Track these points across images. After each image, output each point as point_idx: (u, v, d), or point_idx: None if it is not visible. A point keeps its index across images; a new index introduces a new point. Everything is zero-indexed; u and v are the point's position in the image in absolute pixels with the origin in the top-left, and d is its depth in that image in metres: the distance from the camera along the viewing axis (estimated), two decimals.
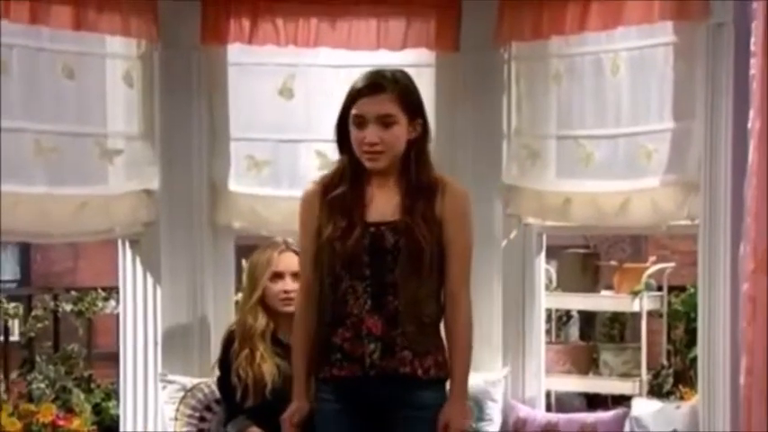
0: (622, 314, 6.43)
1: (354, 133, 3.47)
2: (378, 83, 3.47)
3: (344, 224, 3.46)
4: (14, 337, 7.12)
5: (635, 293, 5.49)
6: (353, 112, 3.47)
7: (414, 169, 3.50)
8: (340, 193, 3.51)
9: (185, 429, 4.44)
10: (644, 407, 4.69)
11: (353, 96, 3.48)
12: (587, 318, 6.96)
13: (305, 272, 3.60)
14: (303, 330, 3.59)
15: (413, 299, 3.44)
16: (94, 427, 5.70)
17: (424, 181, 3.50)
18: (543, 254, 4.94)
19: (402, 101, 3.46)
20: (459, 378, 3.50)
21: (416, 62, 4.56)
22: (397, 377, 3.44)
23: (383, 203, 3.50)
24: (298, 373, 3.62)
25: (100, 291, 7.03)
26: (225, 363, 4.23)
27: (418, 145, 3.51)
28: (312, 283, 3.55)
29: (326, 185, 3.55)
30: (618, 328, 6.67)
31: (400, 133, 3.46)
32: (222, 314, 4.71)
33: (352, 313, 3.45)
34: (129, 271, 4.73)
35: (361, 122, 3.46)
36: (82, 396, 6.12)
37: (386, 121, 3.44)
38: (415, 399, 3.46)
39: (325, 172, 3.64)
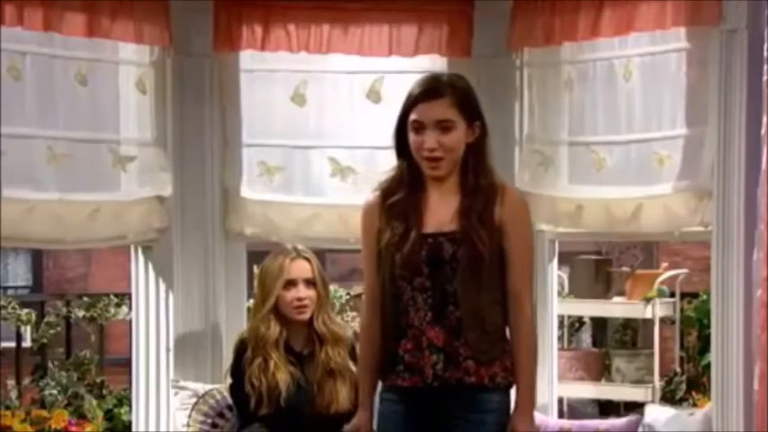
0: (634, 320, 6.41)
1: (413, 138, 3.46)
2: (435, 88, 3.45)
3: (402, 230, 3.45)
4: (27, 344, 7.13)
5: (647, 300, 5.48)
6: (412, 117, 3.45)
7: (472, 172, 3.48)
8: (398, 199, 3.49)
9: None
10: (657, 413, 4.67)
11: (411, 102, 3.46)
12: (599, 324, 6.94)
13: (368, 281, 3.58)
14: (368, 339, 3.58)
15: (474, 308, 3.41)
16: None
17: (483, 184, 3.48)
18: (555, 260, 4.93)
19: (460, 105, 3.45)
20: (526, 385, 3.47)
21: (428, 68, 4.53)
22: (463, 386, 3.42)
23: (441, 210, 3.47)
24: (363, 382, 3.61)
25: (112, 297, 7.04)
26: (237, 371, 4.22)
27: (477, 147, 3.50)
28: (375, 292, 3.53)
29: (385, 192, 3.54)
30: (630, 334, 6.65)
31: (459, 138, 3.45)
32: (234, 320, 4.72)
33: (413, 325, 3.43)
34: (142, 277, 4.73)
35: (420, 128, 3.44)
36: (94, 402, 6.12)
37: (444, 126, 3.43)
38: (480, 403, 3.44)
39: (384, 177, 3.58)
